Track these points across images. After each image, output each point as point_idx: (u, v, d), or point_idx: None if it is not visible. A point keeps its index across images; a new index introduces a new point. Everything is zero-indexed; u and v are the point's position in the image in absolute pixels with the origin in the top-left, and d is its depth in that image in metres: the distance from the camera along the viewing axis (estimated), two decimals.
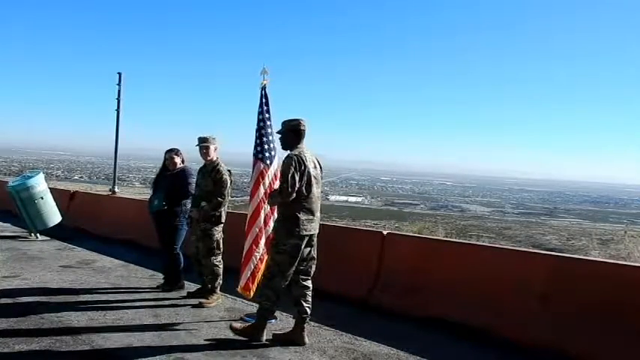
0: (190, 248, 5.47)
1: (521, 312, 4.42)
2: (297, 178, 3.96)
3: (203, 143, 5.25)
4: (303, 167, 4.01)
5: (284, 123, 4.29)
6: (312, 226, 4.12)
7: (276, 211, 4.41)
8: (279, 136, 4.28)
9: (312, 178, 4.09)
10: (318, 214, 4.20)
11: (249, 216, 4.76)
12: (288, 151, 4.19)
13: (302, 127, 4.20)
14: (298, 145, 4.17)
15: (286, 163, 4.01)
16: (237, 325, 4.31)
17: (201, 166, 5.41)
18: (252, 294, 4.75)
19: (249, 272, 4.74)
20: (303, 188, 4.03)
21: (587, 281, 4.25)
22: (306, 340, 4.17)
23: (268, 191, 4.64)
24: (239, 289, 4.81)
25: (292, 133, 4.20)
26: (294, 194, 3.97)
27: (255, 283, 4.71)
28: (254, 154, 4.79)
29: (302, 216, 4.04)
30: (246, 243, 4.73)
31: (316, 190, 4.15)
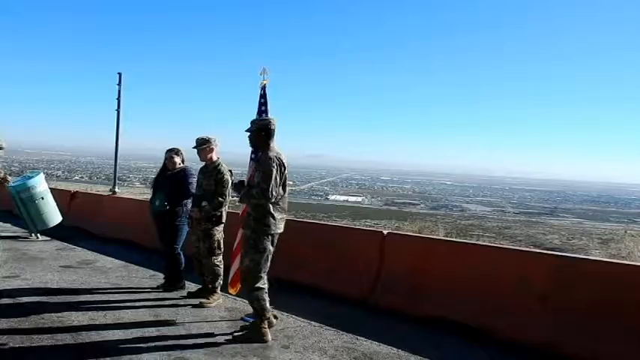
0: (191, 248, 5.47)
1: (522, 312, 4.42)
2: (278, 180, 4.07)
3: (201, 145, 5.24)
4: (282, 169, 4.13)
5: (253, 122, 4.36)
6: (282, 225, 4.27)
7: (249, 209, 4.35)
8: (248, 134, 4.34)
9: (286, 179, 4.23)
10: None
11: (240, 215, 4.86)
12: (260, 151, 4.30)
13: (272, 127, 4.27)
14: (270, 145, 4.23)
15: (269, 164, 4.05)
16: (238, 333, 4.27)
17: (202, 166, 5.41)
18: (237, 291, 4.91)
19: (236, 270, 4.86)
20: (280, 188, 4.14)
21: (587, 281, 4.25)
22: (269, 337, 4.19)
23: None
24: (230, 289, 4.93)
25: (262, 133, 4.25)
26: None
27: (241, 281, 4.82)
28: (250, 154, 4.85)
29: (277, 215, 4.16)
30: (236, 241, 4.81)
31: (287, 190, 4.31)
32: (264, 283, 4.18)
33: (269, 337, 4.17)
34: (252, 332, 4.21)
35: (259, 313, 4.19)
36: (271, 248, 4.21)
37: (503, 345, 4.24)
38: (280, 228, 4.23)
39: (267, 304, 4.21)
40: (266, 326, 4.21)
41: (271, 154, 4.14)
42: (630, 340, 3.85)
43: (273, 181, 4.01)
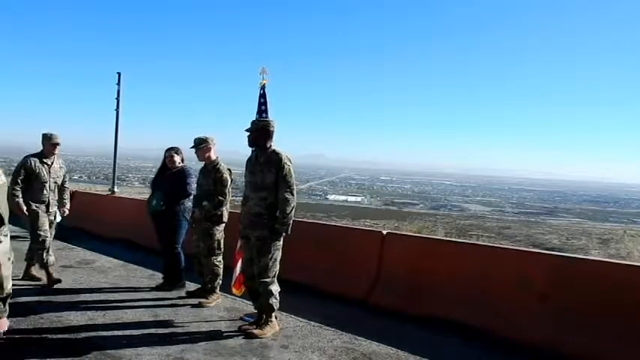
0: (191, 248, 5.46)
1: (521, 312, 4.42)
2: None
3: (198, 145, 5.24)
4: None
5: (254, 122, 4.45)
6: None
7: (262, 208, 4.35)
8: (247, 134, 4.41)
9: None
10: None
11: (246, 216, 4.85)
12: (258, 151, 4.38)
13: (271, 128, 4.38)
14: (269, 145, 4.34)
15: (289, 164, 4.23)
16: (256, 331, 4.29)
17: (201, 166, 5.41)
18: (241, 292, 4.89)
19: (239, 271, 4.85)
20: None
21: (587, 281, 4.24)
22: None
23: None
24: (234, 290, 4.93)
25: (262, 133, 4.35)
26: None
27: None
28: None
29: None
30: (239, 243, 4.81)
31: None
32: (275, 280, 4.35)
33: (277, 327, 4.35)
34: (267, 327, 4.30)
35: (270, 309, 4.30)
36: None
37: (503, 345, 4.24)
38: None
39: (277, 303, 4.36)
40: (274, 319, 4.39)
41: (284, 153, 4.29)
42: (630, 340, 3.85)
43: (294, 179, 4.26)
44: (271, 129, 4.37)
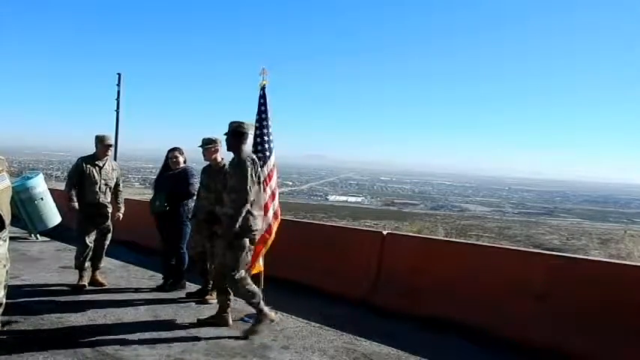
0: (194, 248, 5.45)
1: (521, 312, 4.42)
2: (254, 180, 4.22)
3: (207, 145, 5.22)
4: (257, 167, 4.30)
5: (229, 125, 4.43)
6: (260, 222, 4.42)
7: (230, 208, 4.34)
8: (225, 137, 4.42)
9: (260, 177, 4.41)
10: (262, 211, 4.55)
11: None
12: (233, 154, 4.36)
13: (242, 130, 4.35)
14: (242, 147, 4.32)
15: (244, 167, 4.17)
16: (247, 327, 4.34)
17: (204, 166, 5.39)
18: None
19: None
20: (257, 186, 4.31)
21: (587, 281, 4.24)
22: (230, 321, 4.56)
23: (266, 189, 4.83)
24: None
25: (233, 135, 4.33)
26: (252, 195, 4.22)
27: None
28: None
29: (255, 213, 4.30)
30: None
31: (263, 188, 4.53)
32: (243, 275, 4.32)
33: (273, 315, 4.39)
34: (258, 325, 4.30)
35: (256, 307, 4.30)
36: (249, 246, 4.34)
37: (503, 345, 4.24)
38: (259, 225, 4.38)
39: (255, 287, 4.37)
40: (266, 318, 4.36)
41: (244, 155, 4.27)
42: (630, 340, 3.85)
43: (249, 182, 4.15)
44: (243, 130, 4.33)
